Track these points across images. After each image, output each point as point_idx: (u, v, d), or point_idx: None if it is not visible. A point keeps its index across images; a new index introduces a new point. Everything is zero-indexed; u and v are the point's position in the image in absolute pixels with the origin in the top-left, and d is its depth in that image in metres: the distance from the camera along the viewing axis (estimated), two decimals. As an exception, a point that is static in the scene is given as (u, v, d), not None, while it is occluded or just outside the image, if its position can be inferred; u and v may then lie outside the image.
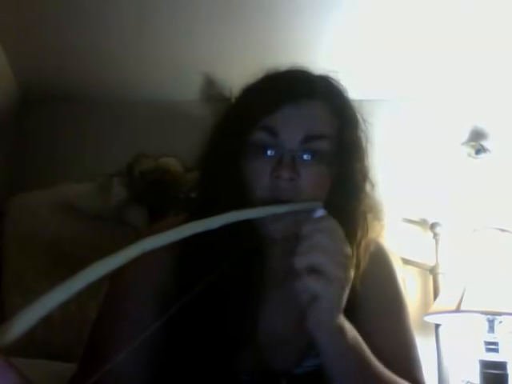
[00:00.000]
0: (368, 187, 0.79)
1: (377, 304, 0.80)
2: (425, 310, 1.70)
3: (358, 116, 0.79)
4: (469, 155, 1.96)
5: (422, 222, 1.90)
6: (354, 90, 0.81)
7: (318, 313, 0.61)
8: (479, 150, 1.93)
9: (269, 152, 0.71)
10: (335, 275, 0.60)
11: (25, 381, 0.37)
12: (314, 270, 0.60)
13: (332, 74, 0.80)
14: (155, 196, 1.70)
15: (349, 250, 0.64)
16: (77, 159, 2.07)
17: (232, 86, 1.90)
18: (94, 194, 1.71)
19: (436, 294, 1.74)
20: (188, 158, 1.50)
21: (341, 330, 0.64)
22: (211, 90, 2.06)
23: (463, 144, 1.98)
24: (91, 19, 1.86)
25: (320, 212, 0.66)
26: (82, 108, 2.16)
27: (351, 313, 0.67)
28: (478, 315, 1.49)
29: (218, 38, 1.91)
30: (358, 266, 0.76)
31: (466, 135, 1.98)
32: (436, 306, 1.59)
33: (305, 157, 0.71)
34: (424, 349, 1.54)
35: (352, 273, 0.65)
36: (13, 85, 2.10)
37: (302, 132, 0.71)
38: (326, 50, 1.89)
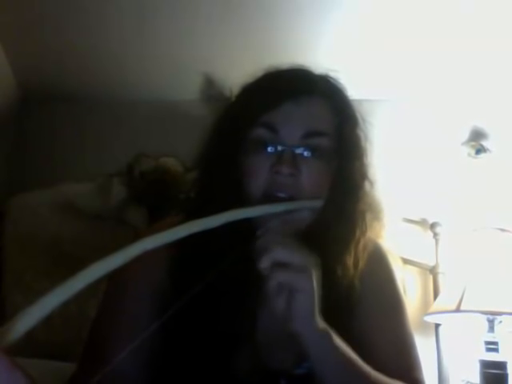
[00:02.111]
0: (367, 186, 0.79)
1: (375, 302, 0.80)
2: (425, 309, 1.70)
3: (358, 114, 0.79)
4: (469, 155, 1.96)
5: (422, 222, 1.90)
6: (353, 90, 0.81)
7: (299, 307, 0.62)
8: (479, 150, 1.94)
9: (269, 149, 0.72)
10: (300, 264, 0.61)
11: (30, 381, 0.37)
12: (279, 265, 0.61)
13: (332, 73, 0.80)
14: (155, 196, 1.70)
15: (297, 242, 0.64)
16: (77, 159, 2.07)
17: (232, 85, 1.89)
18: (94, 194, 1.71)
19: (436, 294, 1.74)
20: (188, 158, 1.49)
21: (326, 332, 0.65)
22: (211, 89, 2.06)
23: (463, 144, 1.98)
24: (91, 19, 1.86)
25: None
26: (82, 108, 2.16)
27: (349, 312, 0.68)
28: (478, 315, 1.49)
29: (218, 38, 1.91)
30: (356, 265, 0.76)
31: (466, 135, 1.98)
32: (436, 305, 1.59)
33: (305, 153, 0.72)
34: (424, 349, 1.54)
35: (351, 270, 0.65)
36: (13, 85, 2.10)
37: (302, 128, 0.72)
38: (325, 50, 1.89)
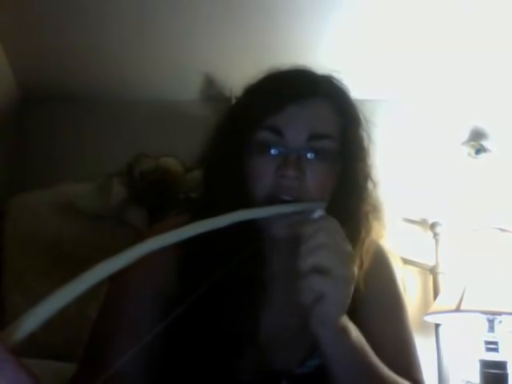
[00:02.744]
0: (370, 186, 0.79)
1: (376, 303, 0.80)
2: (425, 309, 1.70)
3: (361, 115, 0.79)
4: (469, 155, 1.96)
5: (422, 222, 1.90)
6: (354, 90, 0.81)
7: (322, 312, 0.61)
8: (479, 150, 1.94)
9: (273, 151, 0.71)
10: (340, 273, 0.60)
11: (35, 380, 0.37)
12: (318, 270, 0.60)
13: (334, 74, 0.80)
14: (155, 196, 1.70)
15: (350, 247, 0.64)
16: (77, 159, 2.08)
17: (232, 85, 1.90)
18: (94, 194, 1.71)
19: (436, 294, 1.74)
20: (188, 158, 1.49)
21: (344, 331, 0.65)
22: (211, 89, 2.06)
23: (463, 144, 1.98)
24: (91, 19, 1.86)
25: (319, 212, 0.66)
26: (82, 108, 2.16)
27: (352, 312, 0.67)
28: (478, 315, 1.49)
29: (218, 38, 1.91)
30: (361, 266, 0.76)
31: (466, 135, 1.99)
32: (436, 305, 1.59)
33: (309, 156, 0.71)
34: (424, 349, 1.54)
35: (356, 271, 0.65)
36: (13, 85, 2.10)
37: (306, 131, 0.72)
38: (325, 50, 1.89)
